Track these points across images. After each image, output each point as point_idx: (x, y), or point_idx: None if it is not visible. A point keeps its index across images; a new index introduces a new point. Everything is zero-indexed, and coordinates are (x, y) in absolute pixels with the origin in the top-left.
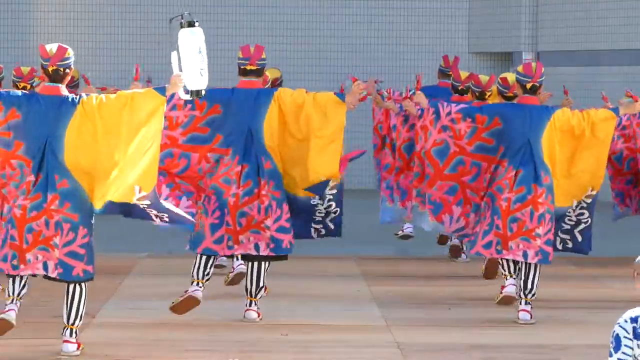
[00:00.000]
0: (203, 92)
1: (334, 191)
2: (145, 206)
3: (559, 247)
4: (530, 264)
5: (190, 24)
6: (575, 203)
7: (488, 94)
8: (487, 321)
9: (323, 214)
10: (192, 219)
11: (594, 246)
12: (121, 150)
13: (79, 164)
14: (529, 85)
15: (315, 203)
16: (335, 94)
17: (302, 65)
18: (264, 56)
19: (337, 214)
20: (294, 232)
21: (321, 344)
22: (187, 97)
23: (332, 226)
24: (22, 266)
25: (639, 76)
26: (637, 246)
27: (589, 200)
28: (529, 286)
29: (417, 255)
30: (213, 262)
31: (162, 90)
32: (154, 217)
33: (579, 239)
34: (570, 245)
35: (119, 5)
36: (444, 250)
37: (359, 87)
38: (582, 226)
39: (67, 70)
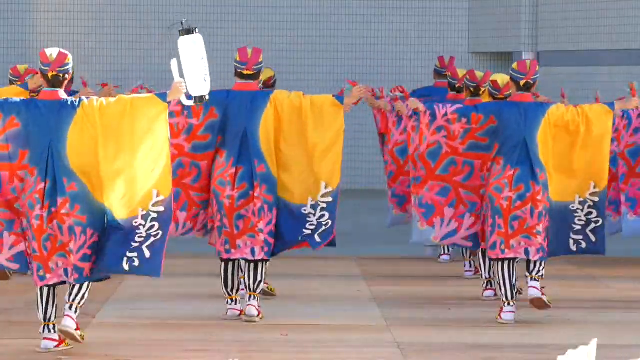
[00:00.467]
0: (206, 98)
1: (329, 199)
2: (157, 215)
3: (573, 248)
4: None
5: (189, 32)
6: (579, 200)
7: (482, 89)
8: (487, 321)
9: (314, 226)
10: (160, 273)
11: None
12: (125, 155)
13: (83, 166)
14: (522, 82)
15: (307, 212)
16: (333, 96)
17: (302, 65)
18: (260, 60)
19: (328, 226)
20: (283, 243)
21: (321, 344)
22: (190, 103)
23: (318, 239)
24: (48, 275)
25: (639, 76)
26: (637, 246)
27: (595, 199)
28: (531, 267)
29: (417, 255)
30: (235, 271)
31: (163, 96)
32: (124, 264)
33: (593, 239)
34: (584, 245)
35: (118, 5)
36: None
37: (360, 91)
38: (592, 226)
39: (66, 76)
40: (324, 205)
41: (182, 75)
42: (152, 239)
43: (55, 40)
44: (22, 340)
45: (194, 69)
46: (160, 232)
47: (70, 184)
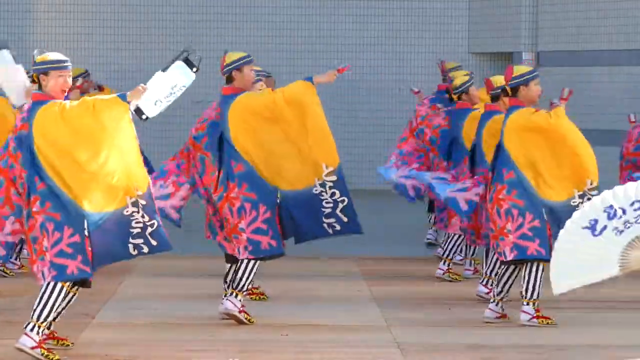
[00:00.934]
0: (144, 117)
1: (333, 178)
2: (142, 207)
3: None
4: (527, 266)
5: (190, 64)
6: (578, 194)
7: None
8: (487, 321)
9: (331, 204)
10: (171, 245)
11: None
12: (96, 154)
13: (54, 165)
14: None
15: (318, 192)
16: (304, 79)
17: (302, 65)
18: (227, 62)
19: (345, 203)
20: (307, 233)
21: (321, 344)
22: (132, 107)
23: (344, 218)
24: (39, 277)
25: (638, 76)
26: None
27: (595, 193)
28: (525, 289)
29: (417, 255)
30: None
31: (123, 97)
32: (131, 250)
33: None
34: None
35: (118, 5)
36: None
37: (332, 77)
38: None
39: (40, 76)
40: (331, 184)
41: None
42: (150, 228)
43: (54, 40)
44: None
45: (158, 90)
46: (154, 221)
47: (40, 183)
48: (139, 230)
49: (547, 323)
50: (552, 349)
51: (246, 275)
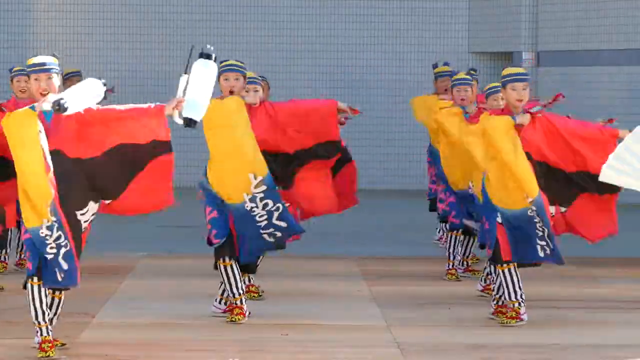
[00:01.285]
0: (194, 125)
1: (263, 187)
2: (57, 223)
3: (541, 254)
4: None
5: (209, 57)
6: (529, 209)
7: None
8: (486, 321)
9: (266, 216)
10: (77, 282)
11: (594, 246)
12: (18, 169)
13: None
14: None
15: (249, 208)
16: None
17: (302, 65)
18: None
19: (280, 210)
20: (254, 249)
21: (321, 344)
22: (180, 121)
23: (283, 224)
24: None
25: (638, 76)
26: (637, 246)
27: (534, 208)
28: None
29: (417, 255)
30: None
31: (33, 107)
32: (58, 277)
33: (551, 246)
34: (548, 252)
35: (119, 4)
36: (444, 251)
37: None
38: (547, 232)
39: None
40: (262, 195)
41: (184, 94)
42: (64, 249)
43: (54, 40)
44: (22, 340)
45: (198, 93)
46: (67, 242)
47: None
48: (52, 256)
49: (502, 321)
50: (552, 349)
51: (223, 279)
